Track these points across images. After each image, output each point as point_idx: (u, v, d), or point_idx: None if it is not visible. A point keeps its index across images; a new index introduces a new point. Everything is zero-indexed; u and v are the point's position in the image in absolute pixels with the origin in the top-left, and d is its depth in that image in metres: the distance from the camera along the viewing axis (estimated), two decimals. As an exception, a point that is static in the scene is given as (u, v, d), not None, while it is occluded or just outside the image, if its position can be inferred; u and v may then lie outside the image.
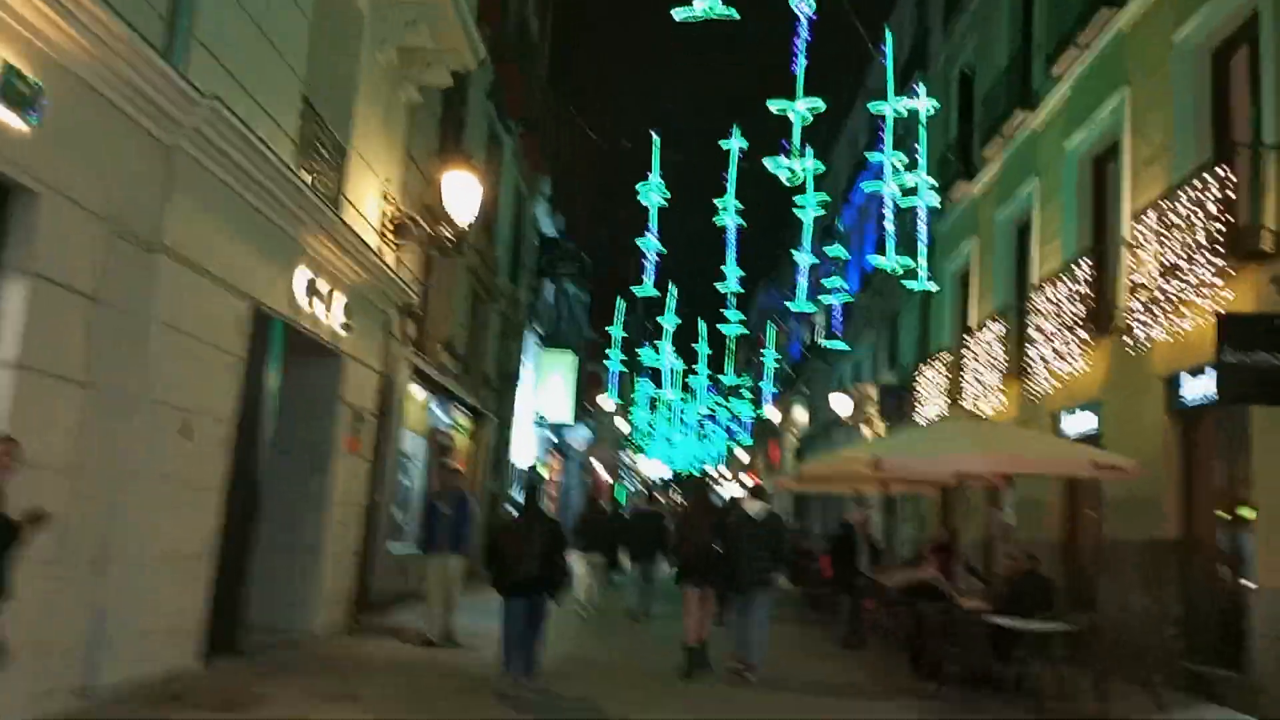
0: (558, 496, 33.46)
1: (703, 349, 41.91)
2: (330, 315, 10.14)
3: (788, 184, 14.01)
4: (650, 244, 19.49)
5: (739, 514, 10.44)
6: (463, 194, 11.55)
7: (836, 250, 24.00)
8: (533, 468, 23.81)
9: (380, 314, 11.87)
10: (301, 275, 9.39)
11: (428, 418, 15.22)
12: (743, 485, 50.23)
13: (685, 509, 12.11)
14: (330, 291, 10.07)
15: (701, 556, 10.13)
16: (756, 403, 49.98)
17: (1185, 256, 10.13)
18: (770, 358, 38.19)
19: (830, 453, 14.41)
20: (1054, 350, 13.63)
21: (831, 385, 35.01)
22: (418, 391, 14.46)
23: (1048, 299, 14.04)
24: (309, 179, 9.43)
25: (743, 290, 22.12)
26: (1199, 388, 10.22)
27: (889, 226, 16.42)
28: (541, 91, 20.51)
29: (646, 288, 19.71)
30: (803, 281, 22.06)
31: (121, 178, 6.54)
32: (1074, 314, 13.10)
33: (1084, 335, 12.82)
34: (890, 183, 15.48)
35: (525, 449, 25.11)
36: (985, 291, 18.14)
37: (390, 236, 11.65)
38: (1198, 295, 9.96)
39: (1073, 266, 13.32)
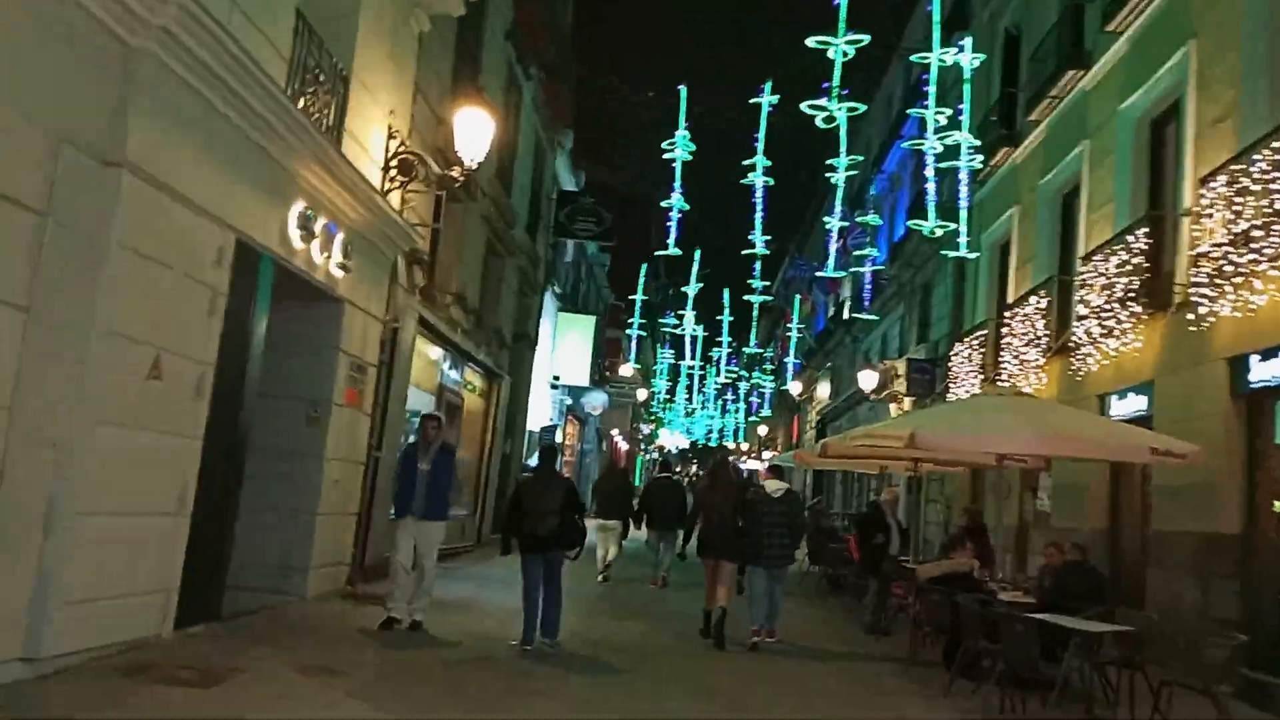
0: (574, 462, 32.85)
1: (725, 318, 40.99)
2: (328, 256, 9.40)
3: (823, 127, 13.03)
4: (676, 203, 18.59)
5: (756, 491, 10.78)
6: (474, 132, 10.74)
7: (868, 217, 22.97)
8: (548, 429, 23.14)
9: (383, 258, 11.13)
10: (295, 210, 8.64)
11: (437, 374, 14.51)
12: (761, 460, 49.52)
13: (706, 483, 11.96)
14: (328, 230, 9.32)
15: (721, 531, 10.29)
16: (779, 376, 49.12)
17: (1261, 224, 9.21)
18: (794, 333, 37.22)
19: (859, 428, 13.55)
20: (1102, 326, 12.71)
21: (857, 360, 34.09)
22: (426, 345, 13.74)
23: (1097, 271, 13.12)
24: (303, 104, 8.66)
25: (769, 253, 21.19)
26: (1270, 370, 9.34)
27: (929, 186, 15.44)
28: (564, 37, 19.58)
29: (670, 248, 18.82)
30: (833, 247, 21.13)
31: (77, 81, 5.78)
32: (1126, 287, 12.16)
33: (1137, 310, 11.90)
34: (932, 139, 14.48)
35: (541, 412, 24.44)
36: (1026, 263, 17.18)
37: (395, 175, 10.87)
38: (1273, 267, 9.06)
39: (1126, 236, 12.38)
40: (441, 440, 9.41)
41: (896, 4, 28.93)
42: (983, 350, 18.11)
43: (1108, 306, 12.58)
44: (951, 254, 16.49)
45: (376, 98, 10.59)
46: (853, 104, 12.65)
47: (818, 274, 24.78)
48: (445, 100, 12.60)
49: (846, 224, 21.50)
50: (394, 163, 10.88)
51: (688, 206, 18.65)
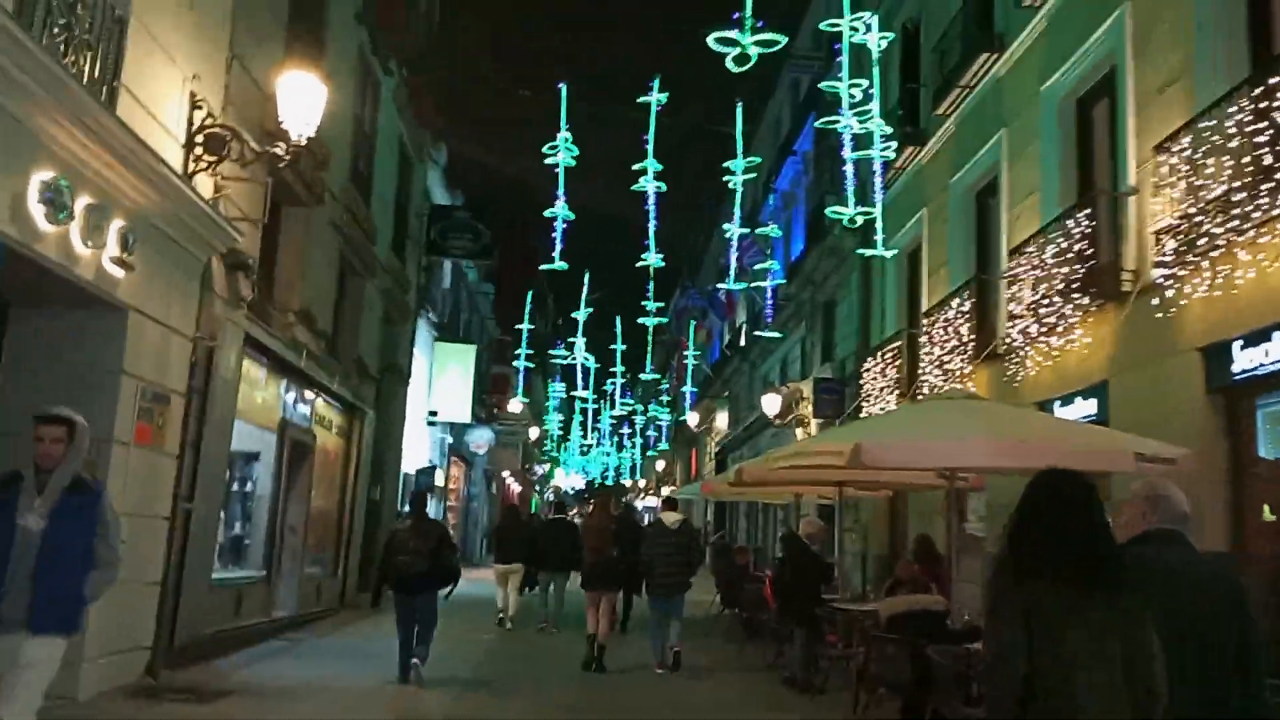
0: (458, 506, 30.39)
1: (618, 346, 39.18)
2: (97, 247, 7.16)
3: (734, 69, 11.29)
4: (560, 212, 16.73)
5: (654, 524, 11.65)
6: (302, 101, 8.69)
7: (768, 229, 21.55)
8: (425, 471, 20.83)
9: (190, 260, 8.89)
10: (38, 179, 6.42)
11: (278, 407, 12.19)
12: (660, 496, 47.72)
13: (587, 520, 12.76)
14: (95, 212, 7.10)
15: (601, 564, 11.37)
16: (675, 408, 47.56)
17: (1243, 185, 7.85)
18: (691, 356, 35.67)
19: (784, 448, 11.76)
20: (1041, 325, 11.32)
21: (755, 386, 32.74)
22: (260, 372, 11.45)
23: (1030, 265, 11.77)
24: (47, 42, 6.48)
25: (662, 264, 19.49)
26: (1255, 357, 7.96)
27: (847, 169, 13.94)
28: (430, 28, 17.61)
29: (556, 262, 16.90)
30: (732, 258, 19.58)
31: None
32: (1068, 279, 10.78)
33: (1083, 303, 10.52)
34: (848, 114, 12.97)
35: (418, 452, 22.09)
36: (940, 267, 15.87)
37: (202, 154, 8.69)
38: (1262, 233, 7.70)
39: (1066, 222, 11.02)
40: (74, 471, 4.99)
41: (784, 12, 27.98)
42: (897, 363, 16.75)
43: (1046, 302, 11.18)
44: (868, 251, 15.03)
45: (173, 57, 8.43)
46: (770, 36, 10.95)
47: (716, 288, 23.20)
48: (273, 74, 10.46)
49: (746, 231, 19.99)
50: (199, 138, 8.69)
51: (572, 215, 16.82)
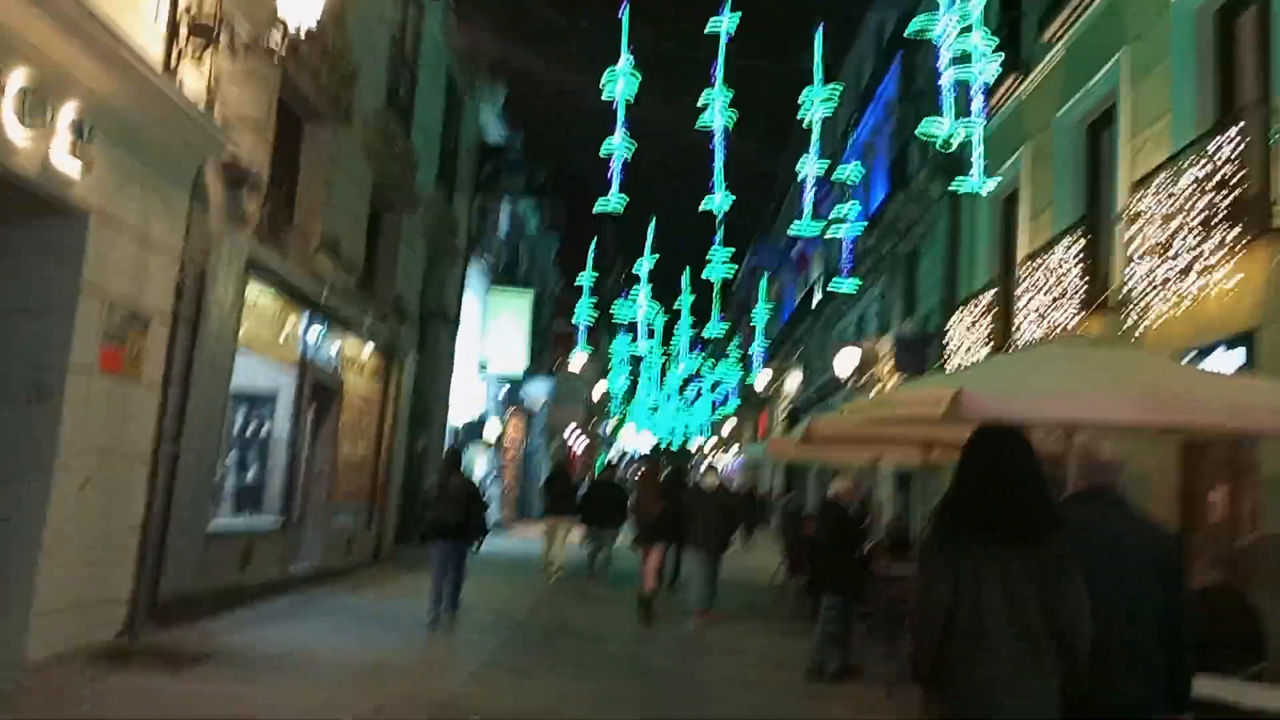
0: (515, 461, 29.44)
1: (685, 301, 37.57)
2: (39, 134, 6.01)
3: None
4: (619, 146, 15.29)
5: (694, 488, 13.18)
6: (302, -21, 7.41)
7: (849, 170, 19.82)
8: (470, 425, 19.77)
9: (173, 166, 7.73)
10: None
11: (297, 344, 11.09)
12: (715, 458, 46.44)
13: (638, 482, 13.78)
14: (42, 97, 5.94)
15: (650, 521, 12.31)
16: (744, 368, 45.99)
17: None
18: (762, 313, 34.00)
19: (863, 399, 10.24)
20: (1170, 268, 9.61)
21: (828, 346, 31.05)
22: (272, 302, 10.33)
23: (1159, 198, 10.05)
24: None
25: (731, 206, 17.90)
26: None
27: (945, 80, 12.21)
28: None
29: (613, 201, 15.48)
30: (808, 197, 17.93)
31: None
32: (1205, 211, 9.07)
33: (1225, 239, 8.80)
34: (948, 21, 11.27)
35: (469, 404, 21.04)
36: (1044, 209, 14.10)
37: (188, 44, 7.49)
38: None
39: (1203, 147, 9.28)
40: None
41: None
42: (989, 317, 15.06)
43: (1178, 241, 9.47)
44: (965, 185, 13.34)
45: (152, -76, 7.21)
46: None
47: (791, 241, 21.52)
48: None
49: (824, 169, 18.32)
50: (182, 25, 7.48)
51: (631, 148, 15.34)
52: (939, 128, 11.91)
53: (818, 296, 31.43)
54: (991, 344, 14.86)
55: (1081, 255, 12.14)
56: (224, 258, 8.45)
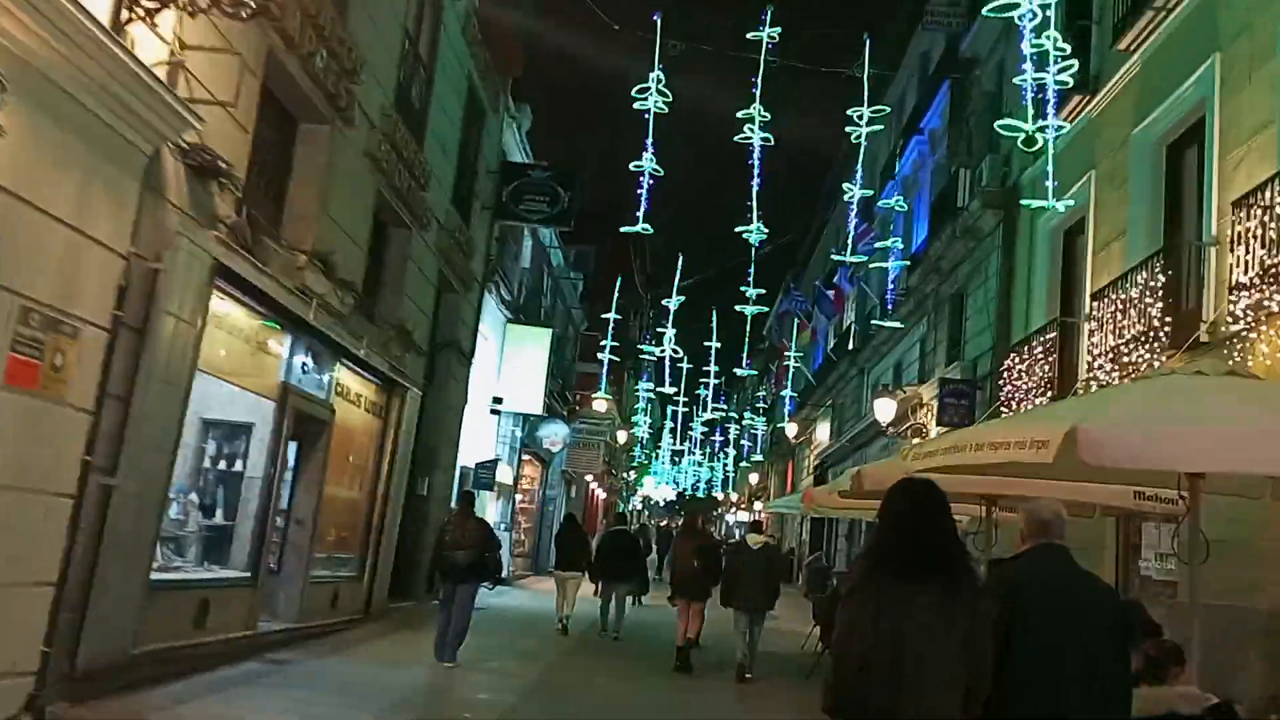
0: (534, 508, 27.99)
1: (713, 342, 36.24)
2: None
3: None
4: (647, 165, 14.12)
5: (737, 543, 13.47)
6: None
7: (892, 201, 18.55)
8: (482, 466, 18.45)
9: (124, 148, 6.52)
10: None
11: (279, 367, 9.83)
12: (752, 511, 44.79)
13: (677, 536, 13.98)
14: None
15: (687, 576, 12.37)
16: (771, 416, 44.47)
17: None
18: (793, 359, 32.57)
19: (929, 440, 8.81)
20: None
21: (863, 393, 29.60)
22: (246, 320, 9.08)
23: (1259, 217, 8.70)
24: None
25: (766, 236, 16.64)
26: None
27: (1026, 72, 10.86)
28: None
29: (641, 224, 14.26)
30: (852, 223, 16.64)
31: None
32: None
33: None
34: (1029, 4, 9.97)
35: (481, 445, 19.73)
36: (1114, 239, 12.72)
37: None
38: None
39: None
40: None
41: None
42: (1049, 359, 13.65)
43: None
44: (1034, 203, 12.04)
45: None
46: None
47: (834, 257, 20.21)
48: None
49: (870, 193, 17.07)
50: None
51: (660, 171, 14.14)
52: (1017, 126, 10.53)
53: (852, 341, 30.08)
54: (1052, 390, 13.45)
55: (1164, 287, 10.76)
56: (182, 261, 7.22)
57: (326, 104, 9.71)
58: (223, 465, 9.68)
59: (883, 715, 3.35)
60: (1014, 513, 10.26)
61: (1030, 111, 10.53)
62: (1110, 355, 11.51)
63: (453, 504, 17.22)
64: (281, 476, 10.19)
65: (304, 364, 10.28)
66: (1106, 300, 11.89)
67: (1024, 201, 12.88)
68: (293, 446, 10.67)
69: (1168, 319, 10.41)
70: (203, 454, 9.65)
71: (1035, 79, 10.50)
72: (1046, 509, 4.11)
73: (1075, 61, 11.12)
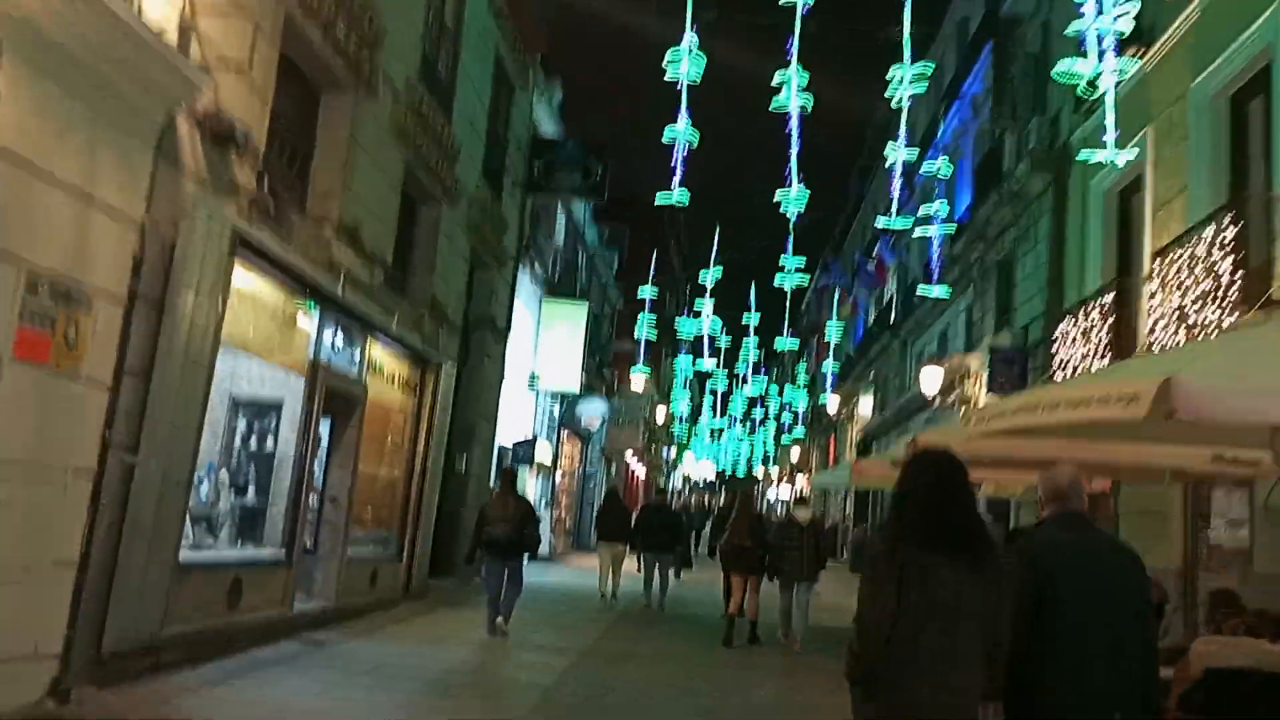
0: (572, 485, 27.80)
1: (752, 316, 35.66)
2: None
3: None
4: (682, 133, 13.65)
5: (785, 518, 13.79)
6: None
7: (937, 164, 17.95)
8: (524, 444, 18.25)
9: (134, 112, 6.25)
10: None
11: (309, 344, 9.59)
12: (794, 486, 44.34)
13: (732, 512, 13.54)
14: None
15: (739, 551, 12.41)
16: (812, 391, 43.88)
17: None
18: (834, 331, 31.99)
19: (1008, 399, 8.26)
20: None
21: (907, 366, 29.01)
22: (273, 294, 8.84)
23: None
24: None
25: (804, 209, 16.09)
26: None
27: (1086, 9, 10.29)
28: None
29: (675, 194, 13.81)
30: (896, 186, 16.09)
31: None
32: None
33: None
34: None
35: (519, 423, 19.50)
36: (1174, 196, 12.12)
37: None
38: None
39: None
40: None
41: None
42: (1107, 323, 13.08)
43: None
44: (1094, 155, 11.48)
45: None
46: None
47: (879, 225, 19.62)
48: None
49: (913, 157, 16.52)
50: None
51: (695, 136, 13.66)
52: (1080, 67, 9.96)
53: (894, 313, 29.47)
54: (1111, 354, 12.90)
55: (1233, 242, 10.18)
56: (200, 230, 6.96)
57: (348, 73, 9.40)
58: (254, 444, 9.49)
59: (907, 687, 3.40)
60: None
61: (1090, 57, 9.90)
62: (1175, 316, 10.97)
63: (492, 482, 17.07)
64: (315, 455, 9.97)
65: (334, 340, 10.04)
66: (1169, 259, 11.33)
67: (1082, 155, 12.28)
68: (326, 424, 10.47)
69: (1237, 275, 9.84)
70: (233, 432, 9.46)
71: (1090, 26, 9.88)
72: (1064, 475, 4.04)
73: (1138, 3, 10.45)
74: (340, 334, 10.17)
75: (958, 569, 3.47)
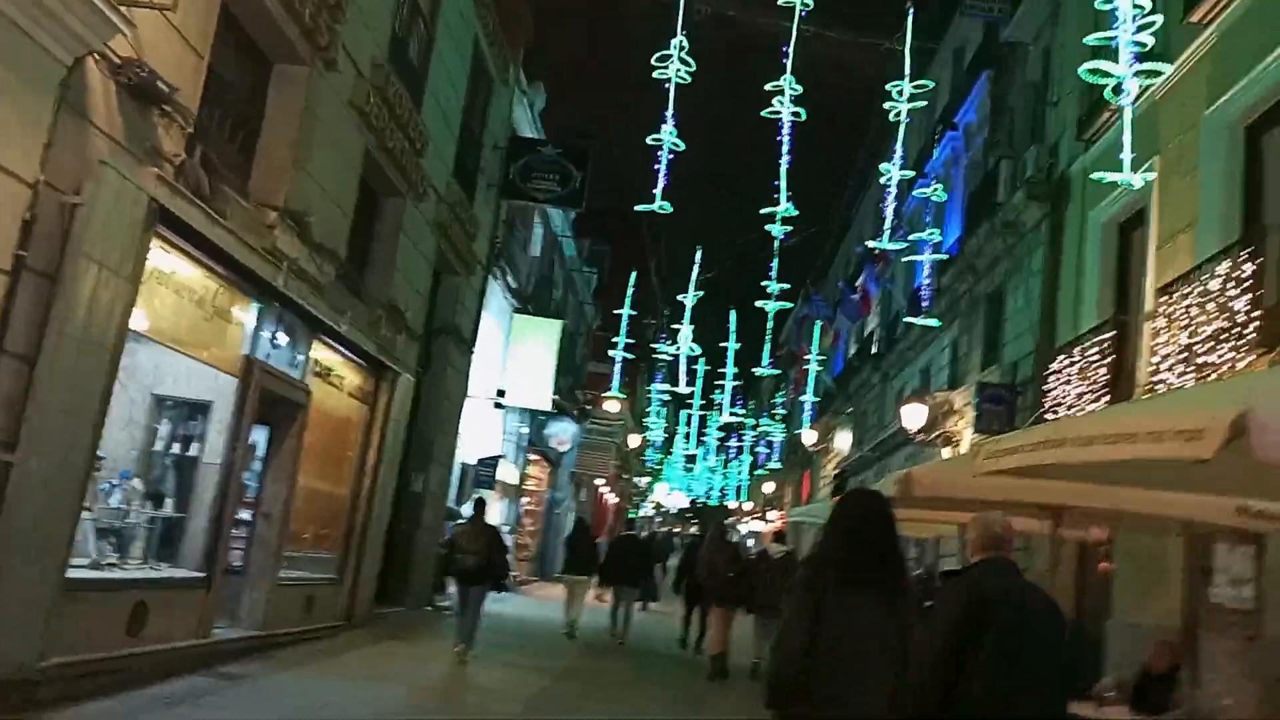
0: (540, 510, 26.80)
1: (731, 344, 34.95)
2: None
3: None
4: (666, 138, 12.90)
5: (760, 552, 14.38)
6: None
7: (930, 189, 17.32)
8: (487, 462, 17.35)
9: (32, 56, 5.40)
10: None
11: (243, 339, 8.68)
12: (766, 521, 43.51)
13: (706, 545, 13.73)
14: None
15: (725, 584, 12.63)
16: (789, 423, 43.14)
17: None
18: (814, 362, 31.28)
19: (1040, 425, 7.49)
20: None
21: (887, 401, 28.33)
22: (202, 280, 7.93)
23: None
24: None
25: (797, 213, 15.41)
26: None
27: (1120, 13, 9.58)
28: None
29: (658, 201, 13.03)
30: (890, 207, 15.42)
31: None
32: None
33: None
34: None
35: (483, 440, 18.58)
36: (1181, 230, 11.47)
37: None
38: None
39: None
40: None
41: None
42: (1106, 361, 12.40)
43: None
44: (1109, 176, 10.82)
45: None
46: None
47: (869, 245, 18.96)
48: None
49: (910, 174, 15.87)
50: None
51: (680, 145, 12.93)
52: (1108, 70, 9.27)
53: (877, 345, 28.84)
54: (1109, 394, 12.21)
55: (1250, 280, 9.51)
56: (108, 196, 6.08)
57: (303, 40, 8.58)
58: (176, 449, 8.54)
59: (819, 710, 3.54)
60: (1075, 530, 9.09)
61: (1120, 64, 9.23)
62: (1181, 355, 10.27)
63: (451, 504, 16.19)
64: (247, 464, 9.06)
65: (274, 337, 9.11)
66: (1176, 295, 10.65)
67: (1095, 175, 11.64)
68: (263, 432, 9.55)
69: (1254, 314, 9.15)
70: (153, 435, 8.52)
71: (1107, 38, 9.24)
72: (998, 523, 4.10)
73: (1160, 17, 9.85)
74: (282, 332, 9.25)
75: (873, 601, 3.63)
